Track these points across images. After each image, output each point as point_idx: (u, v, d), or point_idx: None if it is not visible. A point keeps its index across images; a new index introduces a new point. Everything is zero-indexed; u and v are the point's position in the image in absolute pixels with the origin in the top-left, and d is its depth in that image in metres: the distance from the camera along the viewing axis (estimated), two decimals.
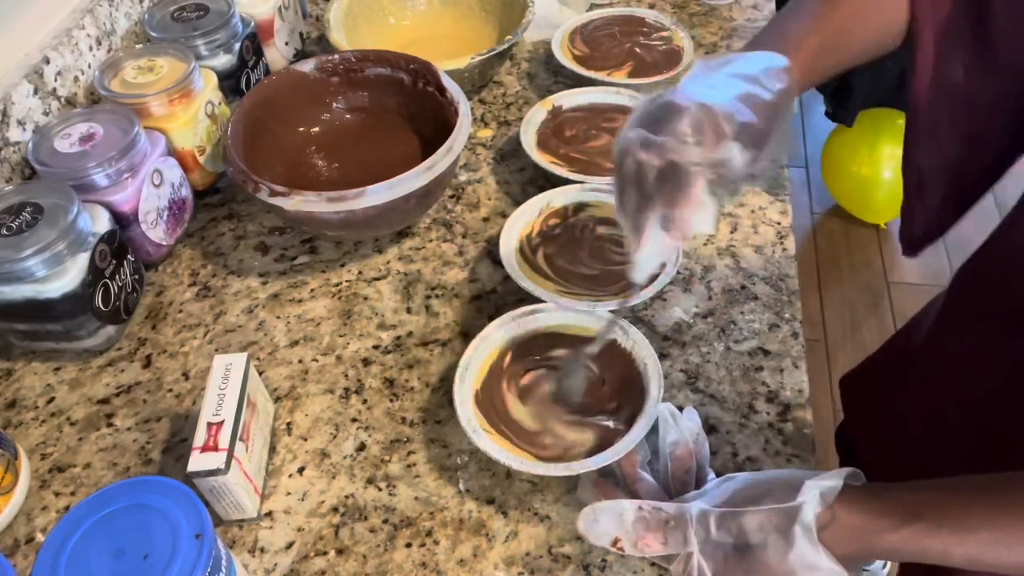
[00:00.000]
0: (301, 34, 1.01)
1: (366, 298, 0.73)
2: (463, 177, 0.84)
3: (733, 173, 0.48)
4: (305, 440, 0.63)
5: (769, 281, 0.72)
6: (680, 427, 0.56)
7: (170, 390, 0.67)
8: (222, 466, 0.53)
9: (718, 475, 0.53)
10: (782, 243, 0.75)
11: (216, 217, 0.82)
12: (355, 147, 0.83)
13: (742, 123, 0.48)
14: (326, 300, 0.74)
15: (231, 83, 0.85)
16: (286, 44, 0.97)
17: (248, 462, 0.57)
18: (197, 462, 0.53)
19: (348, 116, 0.84)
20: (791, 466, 0.59)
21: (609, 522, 0.49)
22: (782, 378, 0.65)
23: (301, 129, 0.83)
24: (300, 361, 0.69)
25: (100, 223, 0.67)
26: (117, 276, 0.68)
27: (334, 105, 0.84)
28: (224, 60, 0.84)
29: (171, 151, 0.76)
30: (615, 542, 0.49)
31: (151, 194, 0.72)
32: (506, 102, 0.93)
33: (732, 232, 0.76)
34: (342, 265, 0.77)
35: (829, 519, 0.45)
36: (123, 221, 0.70)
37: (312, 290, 0.75)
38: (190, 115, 0.76)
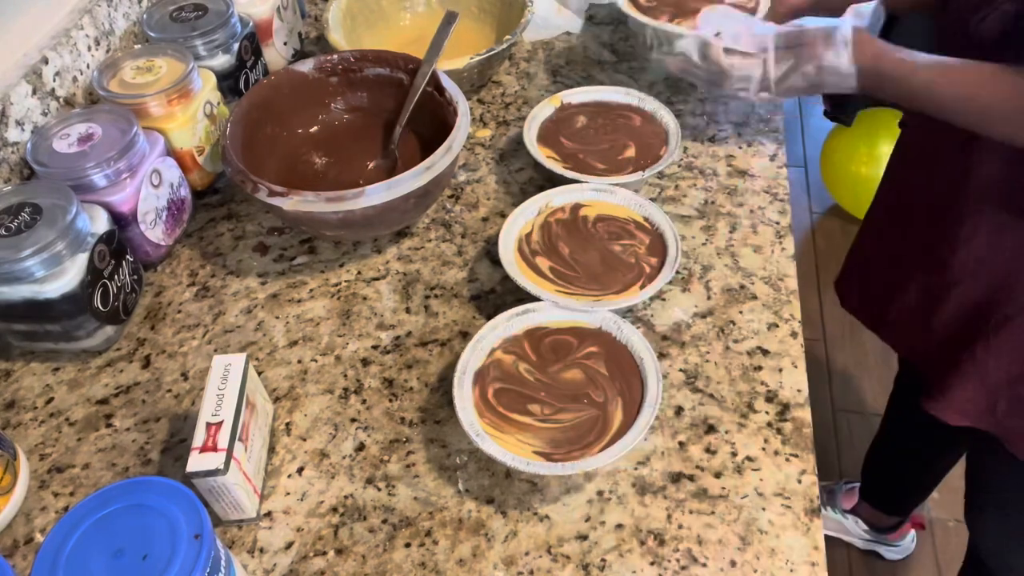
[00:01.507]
0: (300, 34, 1.01)
1: (365, 298, 0.73)
2: (462, 177, 0.84)
3: None
4: (304, 440, 0.63)
5: (768, 281, 0.72)
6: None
7: (169, 390, 0.67)
8: (221, 466, 0.53)
9: None
10: (781, 243, 0.75)
11: (215, 217, 0.82)
12: (354, 147, 0.83)
13: None
14: (325, 300, 0.74)
15: (230, 83, 0.85)
16: (285, 44, 0.97)
17: (247, 462, 0.57)
18: (196, 462, 0.53)
19: (347, 116, 0.84)
20: (790, 466, 0.59)
21: (719, 19, 0.75)
22: (781, 378, 0.65)
23: (300, 129, 0.83)
24: (299, 361, 0.69)
25: (99, 223, 0.67)
26: (116, 276, 0.68)
27: (333, 105, 0.84)
28: (223, 60, 0.84)
29: (170, 151, 0.76)
30: (717, 33, 0.73)
31: (150, 194, 0.72)
32: (505, 102, 0.93)
33: (731, 232, 0.77)
34: (341, 265, 0.77)
35: (861, 38, 0.69)
36: (122, 221, 0.70)
37: (311, 290, 0.74)
38: (189, 115, 0.76)
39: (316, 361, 0.69)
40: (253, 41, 0.89)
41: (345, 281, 0.75)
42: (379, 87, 0.83)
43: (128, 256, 0.70)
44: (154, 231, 0.74)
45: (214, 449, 0.54)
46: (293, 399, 0.66)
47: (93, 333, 0.67)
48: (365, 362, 0.68)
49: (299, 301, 0.74)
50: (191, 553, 0.44)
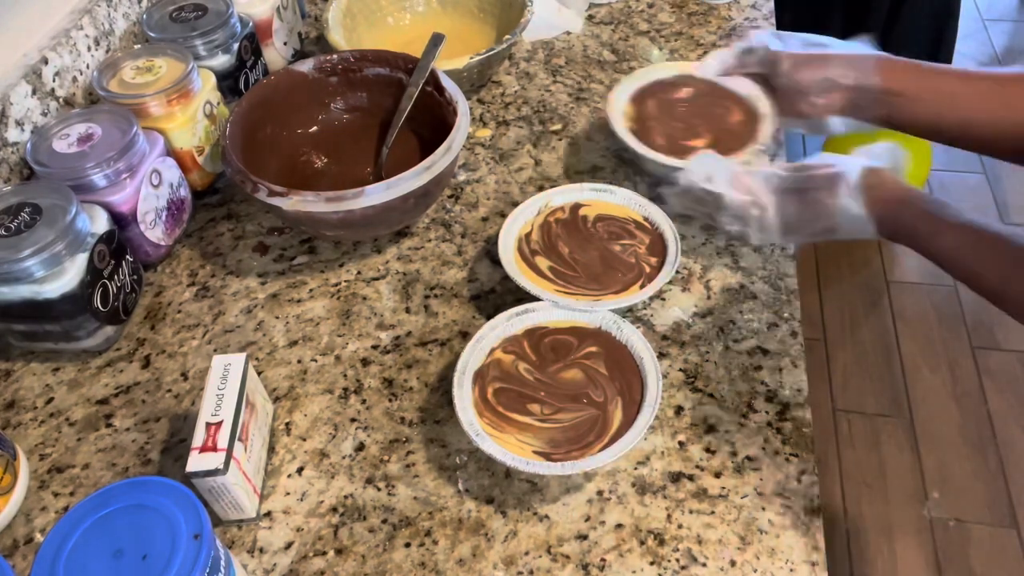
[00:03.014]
0: (300, 34, 1.01)
1: (365, 298, 0.73)
2: (462, 177, 0.84)
3: None
4: (304, 440, 0.63)
5: (768, 280, 0.72)
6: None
7: (169, 390, 0.67)
8: (221, 466, 0.53)
9: None
10: None
11: (215, 217, 0.82)
12: (354, 147, 0.83)
13: None
14: (325, 300, 0.74)
15: (229, 83, 0.85)
16: (284, 44, 0.97)
17: (247, 462, 0.57)
18: (196, 462, 0.53)
19: (347, 116, 0.84)
20: (790, 466, 0.59)
21: (711, 164, 0.66)
22: (781, 377, 0.65)
23: (300, 129, 0.83)
24: (299, 361, 0.69)
25: (98, 223, 0.67)
26: (116, 276, 0.68)
27: (332, 105, 0.84)
28: (222, 60, 0.84)
29: (170, 151, 0.76)
30: (709, 178, 0.65)
31: (149, 194, 0.72)
32: (505, 102, 0.93)
33: None
34: (341, 265, 0.77)
35: (877, 181, 0.59)
36: (121, 221, 0.70)
37: (311, 290, 0.74)
38: (188, 115, 0.76)
39: (316, 361, 0.69)
40: (253, 41, 0.89)
41: (345, 281, 0.75)
42: (379, 87, 0.83)
43: (128, 256, 0.70)
44: (154, 231, 0.74)
45: (214, 449, 0.54)
46: (293, 399, 0.66)
47: (93, 333, 0.67)
48: (365, 362, 0.68)
49: (299, 301, 0.74)
50: (191, 553, 0.44)
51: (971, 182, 2.10)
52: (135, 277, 0.72)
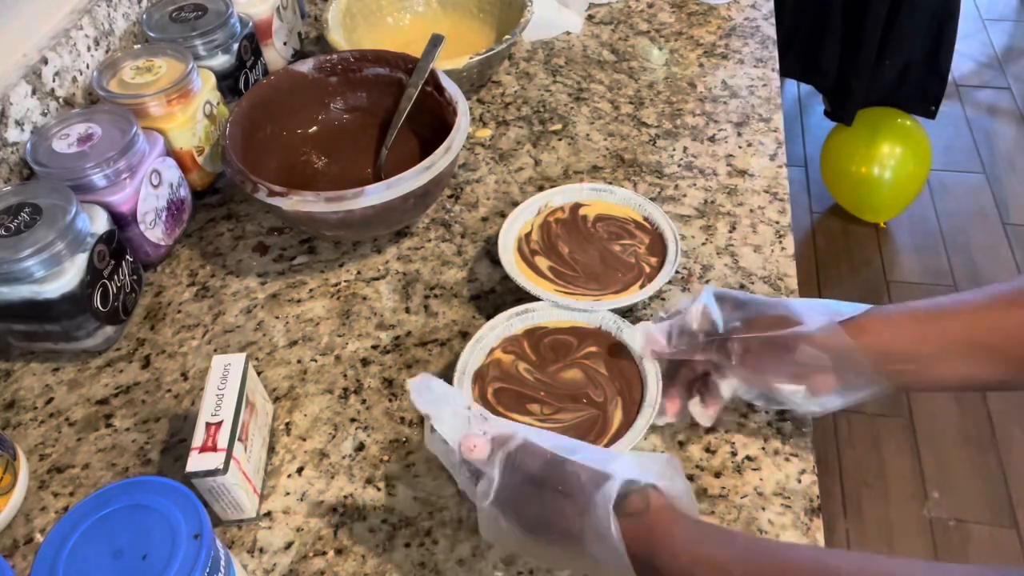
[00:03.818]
0: (300, 34, 1.01)
1: (365, 298, 0.73)
2: (462, 177, 0.84)
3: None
4: (304, 440, 0.63)
5: (768, 280, 0.72)
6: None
7: (169, 390, 0.67)
8: (221, 466, 0.53)
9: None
10: (781, 242, 0.75)
11: (214, 217, 0.82)
12: (354, 147, 0.83)
13: None
14: (325, 300, 0.74)
15: (229, 83, 0.85)
16: (284, 44, 0.97)
17: (247, 462, 0.57)
18: (196, 462, 0.53)
19: (346, 116, 0.84)
20: (790, 466, 0.59)
21: (434, 399, 0.48)
22: None
23: (299, 129, 0.83)
24: (299, 361, 0.69)
25: (98, 223, 0.67)
26: (115, 276, 0.68)
27: (332, 105, 0.84)
28: (222, 60, 0.84)
29: (169, 151, 0.76)
30: (432, 428, 0.48)
31: (149, 194, 0.72)
32: (505, 102, 0.93)
33: (731, 231, 0.76)
34: (341, 265, 0.77)
35: (643, 508, 0.43)
36: (121, 221, 0.70)
37: (311, 290, 0.74)
38: (188, 115, 0.76)
39: (316, 361, 0.69)
40: (253, 41, 0.89)
41: (345, 281, 0.75)
42: (379, 87, 0.83)
43: (128, 256, 0.70)
44: (154, 231, 0.74)
45: (214, 449, 0.54)
46: (293, 399, 0.66)
47: (93, 333, 0.67)
48: (365, 362, 0.68)
49: (299, 301, 0.74)
50: (191, 553, 0.44)
51: (971, 182, 2.10)
52: (135, 277, 0.72)
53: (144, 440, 0.64)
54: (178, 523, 0.45)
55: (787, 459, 0.60)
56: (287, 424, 0.64)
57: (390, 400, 0.65)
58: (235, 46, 0.85)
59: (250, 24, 0.88)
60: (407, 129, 0.81)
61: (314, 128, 0.84)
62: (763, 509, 0.57)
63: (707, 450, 0.61)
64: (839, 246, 2.00)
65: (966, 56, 2.47)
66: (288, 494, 0.60)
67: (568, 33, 1.02)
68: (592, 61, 0.98)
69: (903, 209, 1.98)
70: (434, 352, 0.69)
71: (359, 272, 0.76)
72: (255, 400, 0.61)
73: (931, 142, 1.91)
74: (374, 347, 0.69)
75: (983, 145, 2.21)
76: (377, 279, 0.75)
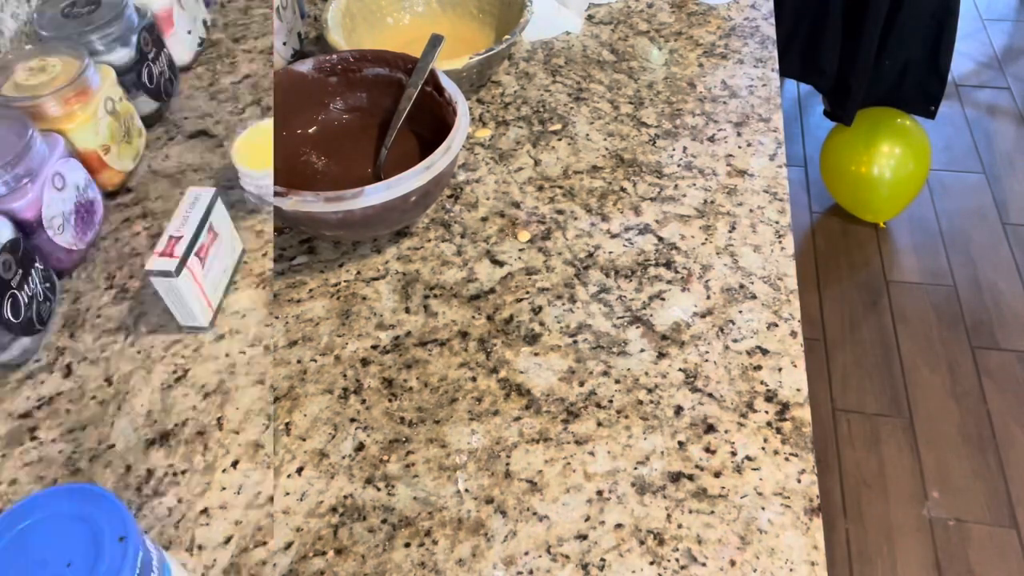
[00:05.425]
0: (299, 34, 1.01)
1: (364, 298, 0.73)
2: (461, 177, 0.84)
3: None
4: (303, 440, 0.63)
5: (768, 280, 0.72)
6: None
7: (93, 397, 0.66)
8: (173, 270, 0.61)
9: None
10: (780, 242, 0.75)
11: (129, 217, 0.80)
12: (354, 147, 0.83)
13: None
14: (324, 300, 0.74)
15: (131, 77, 0.83)
16: (284, 44, 0.97)
17: (204, 278, 0.66)
18: (154, 263, 0.62)
19: (346, 116, 0.84)
20: (790, 466, 0.59)
21: None
22: (781, 377, 0.65)
23: (299, 129, 0.83)
24: (298, 361, 0.69)
25: (2, 232, 0.64)
26: (26, 286, 0.66)
27: (332, 105, 0.84)
28: (122, 54, 0.81)
29: (72, 152, 0.73)
30: None
31: (54, 198, 0.69)
32: (504, 102, 0.93)
33: (730, 231, 0.77)
34: (340, 265, 0.77)
35: None
36: (27, 228, 0.67)
37: (310, 290, 0.75)
38: (89, 114, 0.74)
39: (315, 361, 0.69)
40: (153, 32, 0.85)
41: (344, 281, 0.75)
42: (378, 87, 0.83)
43: (38, 263, 0.68)
44: (63, 236, 0.71)
45: (171, 256, 0.62)
46: (292, 399, 0.66)
47: (8, 346, 0.65)
48: (364, 362, 0.68)
49: (298, 301, 0.74)
50: (117, 556, 0.43)
51: (971, 182, 2.10)
52: (47, 285, 0.69)
53: (71, 450, 0.62)
54: (100, 527, 0.44)
55: (787, 459, 0.60)
56: (287, 424, 0.64)
57: (390, 400, 0.65)
58: (134, 38, 0.82)
59: (148, 14, 0.85)
60: (407, 129, 0.81)
61: (314, 128, 0.84)
62: (763, 509, 0.57)
63: (707, 450, 0.61)
64: (839, 246, 2.00)
65: (966, 56, 2.47)
66: (288, 494, 0.60)
67: (568, 33, 1.02)
68: (592, 61, 0.98)
69: (903, 209, 1.98)
70: (434, 352, 0.69)
71: (359, 272, 0.76)
72: (221, 231, 0.69)
73: (931, 142, 1.91)
74: (374, 347, 0.69)
75: (983, 145, 2.21)
76: (377, 279, 0.75)
